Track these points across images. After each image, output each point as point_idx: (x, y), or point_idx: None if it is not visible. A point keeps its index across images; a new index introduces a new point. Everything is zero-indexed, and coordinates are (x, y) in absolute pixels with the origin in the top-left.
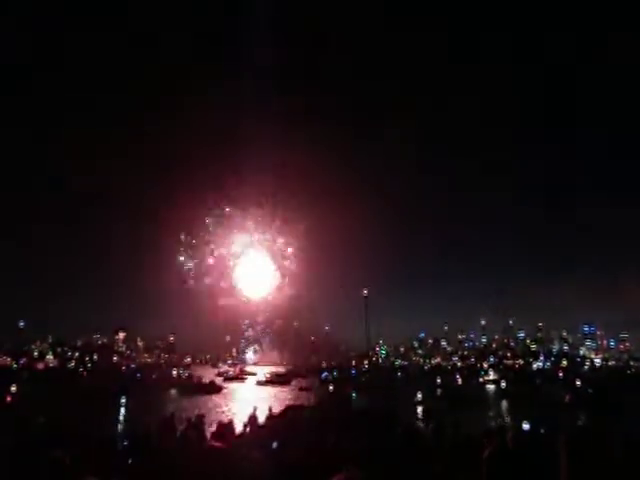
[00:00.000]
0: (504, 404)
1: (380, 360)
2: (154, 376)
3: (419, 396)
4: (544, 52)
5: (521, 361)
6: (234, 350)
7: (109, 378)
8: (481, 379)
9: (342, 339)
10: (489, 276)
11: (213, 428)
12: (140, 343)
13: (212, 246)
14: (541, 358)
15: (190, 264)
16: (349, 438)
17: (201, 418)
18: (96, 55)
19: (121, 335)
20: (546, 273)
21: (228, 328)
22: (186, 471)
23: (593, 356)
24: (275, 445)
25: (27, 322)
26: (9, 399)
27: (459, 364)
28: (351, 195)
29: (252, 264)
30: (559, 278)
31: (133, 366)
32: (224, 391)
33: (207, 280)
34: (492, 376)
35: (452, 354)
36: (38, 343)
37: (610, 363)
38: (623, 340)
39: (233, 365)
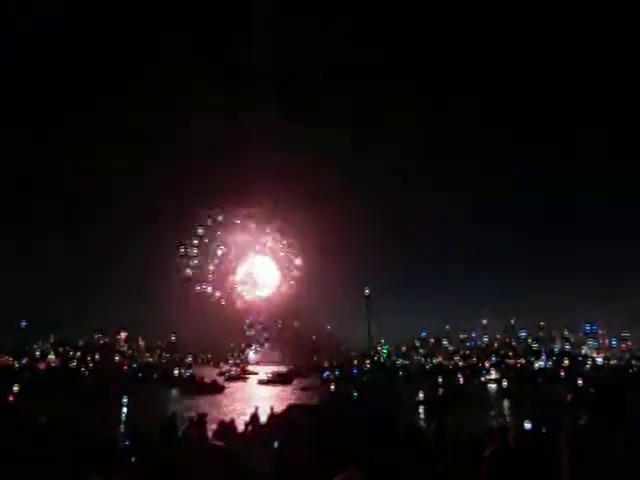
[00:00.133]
0: (506, 403)
1: (382, 359)
2: (155, 376)
3: (421, 395)
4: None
5: (523, 360)
6: (236, 350)
7: (111, 378)
8: (483, 378)
9: (343, 338)
10: (491, 275)
11: (215, 427)
12: (141, 343)
13: (214, 247)
14: (543, 357)
15: (192, 264)
16: (351, 437)
17: (203, 417)
18: (96, 54)
19: (123, 335)
20: (548, 272)
21: (230, 328)
22: (187, 470)
23: (595, 355)
24: (276, 444)
25: (29, 322)
26: (11, 399)
27: (461, 363)
28: (352, 195)
29: (254, 264)
30: (561, 277)
31: (135, 366)
32: (226, 390)
33: (209, 280)
34: (494, 375)
35: (454, 353)
36: (40, 343)
37: (612, 362)
38: (625, 339)
39: (235, 365)
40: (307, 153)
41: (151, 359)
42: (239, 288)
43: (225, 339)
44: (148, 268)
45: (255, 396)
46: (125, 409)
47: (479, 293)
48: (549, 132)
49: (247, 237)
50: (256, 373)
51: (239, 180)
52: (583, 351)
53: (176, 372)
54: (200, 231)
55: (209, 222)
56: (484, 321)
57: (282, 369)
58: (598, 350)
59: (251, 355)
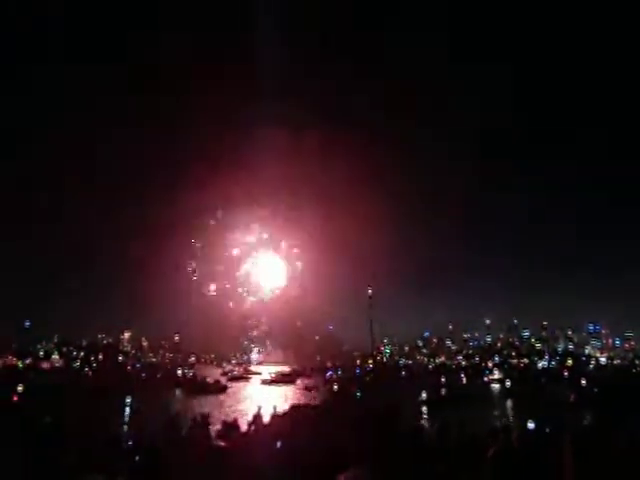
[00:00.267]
0: (509, 403)
1: (384, 359)
2: (159, 375)
3: (424, 395)
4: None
5: (526, 360)
6: (239, 350)
7: (114, 378)
8: (486, 378)
9: (346, 338)
10: (494, 275)
11: (218, 427)
12: (145, 343)
13: (217, 247)
14: (546, 357)
15: (195, 264)
16: (354, 437)
17: (206, 417)
18: (96, 54)
19: (126, 335)
20: (551, 272)
21: (233, 328)
22: (191, 470)
23: (598, 355)
24: (280, 444)
25: (33, 322)
26: (15, 399)
27: (464, 363)
28: (355, 195)
29: (257, 265)
30: (564, 277)
31: (138, 366)
32: (229, 391)
33: (212, 281)
34: (497, 375)
35: (457, 353)
36: (44, 343)
37: (615, 362)
38: (628, 339)
39: (238, 365)
40: (310, 153)
41: (154, 359)
42: (242, 289)
43: (228, 339)
44: (152, 268)
45: (258, 396)
46: (128, 409)
47: (482, 293)
48: (549, 132)
49: (250, 237)
50: (259, 373)
51: (242, 180)
52: (586, 351)
53: (179, 372)
54: (203, 232)
55: (212, 222)
56: (487, 321)
57: (285, 369)
58: (602, 350)
59: (254, 355)
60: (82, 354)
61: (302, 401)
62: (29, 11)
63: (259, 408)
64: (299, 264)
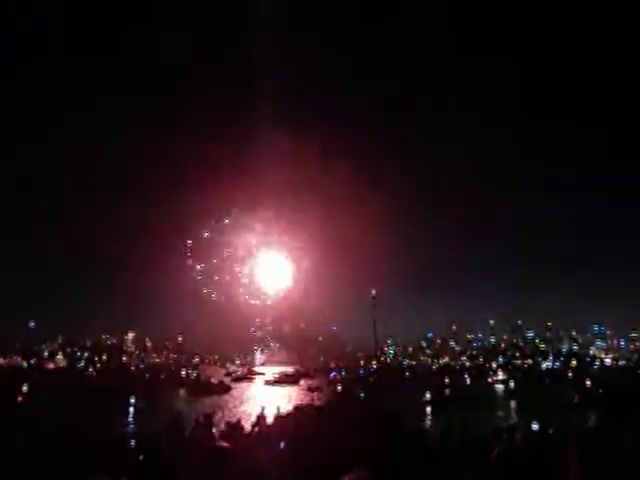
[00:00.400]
0: (513, 404)
1: (388, 360)
2: (163, 376)
3: (427, 396)
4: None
5: (530, 361)
6: (242, 351)
7: (118, 378)
8: (490, 379)
9: (350, 339)
10: (498, 276)
11: (222, 428)
12: (149, 343)
13: (220, 248)
14: (550, 358)
15: (199, 265)
16: (357, 438)
17: (209, 418)
18: (96, 54)
19: (130, 335)
20: (554, 272)
21: (236, 329)
22: (194, 471)
23: (603, 356)
24: (283, 445)
25: (37, 322)
26: (20, 399)
27: (467, 364)
28: (359, 196)
29: (260, 266)
30: (568, 277)
31: (142, 366)
32: (232, 391)
33: (215, 281)
34: (501, 376)
35: (460, 354)
36: (48, 343)
37: (620, 363)
38: (633, 340)
39: (241, 365)
40: (312, 154)
41: (158, 360)
42: (246, 290)
43: (232, 340)
44: (155, 269)
45: (262, 397)
46: (132, 409)
47: (486, 293)
48: (549, 132)
49: (254, 238)
50: (263, 374)
51: (246, 182)
52: (591, 352)
53: (183, 373)
54: (206, 233)
55: (215, 223)
56: (491, 321)
57: (289, 370)
58: (606, 351)
59: (257, 356)
60: (86, 354)
61: (306, 402)
62: (29, 11)
63: (262, 409)
64: (303, 265)
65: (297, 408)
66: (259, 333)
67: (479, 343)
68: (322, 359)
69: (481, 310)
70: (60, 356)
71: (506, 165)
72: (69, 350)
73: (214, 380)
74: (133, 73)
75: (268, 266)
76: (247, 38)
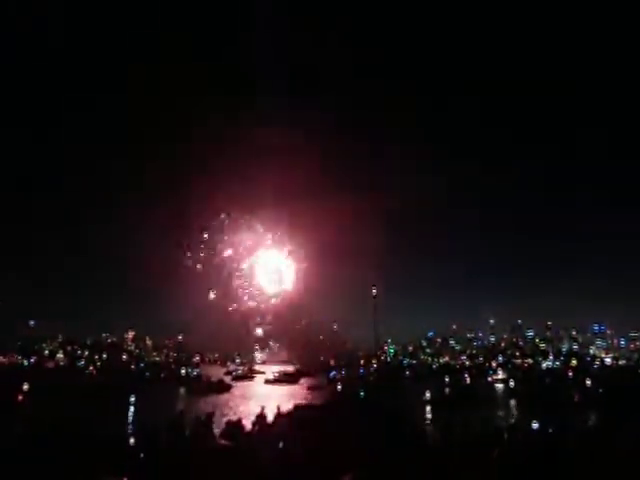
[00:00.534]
0: (513, 403)
1: (388, 359)
2: (163, 375)
3: (427, 395)
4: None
5: (530, 360)
6: (243, 349)
7: (118, 377)
8: (490, 378)
9: (350, 338)
10: (498, 275)
11: (222, 426)
12: (149, 342)
13: (222, 247)
14: (550, 357)
15: (199, 264)
16: (357, 438)
17: (210, 416)
18: (95, 54)
19: (130, 334)
20: (555, 272)
21: (236, 327)
22: (195, 469)
23: (603, 355)
24: (283, 444)
25: (37, 321)
26: (20, 398)
27: (467, 363)
28: (360, 196)
29: (260, 265)
30: (568, 277)
31: (142, 365)
32: (233, 390)
33: (216, 280)
34: (501, 375)
35: (461, 353)
36: (48, 342)
37: (620, 362)
38: (634, 339)
39: (241, 364)
40: (312, 154)
41: (158, 358)
42: (246, 289)
43: (232, 339)
44: (156, 268)
45: (262, 395)
46: (133, 408)
47: (486, 293)
48: (549, 132)
49: (253, 238)
50: (263, 372)
51: (244, 181)
52: (591, 351)
53: (183, 371)
54: (207, 232)
55: (215, 223)
56: (491, 321)
57: (289, 369)
58: (607, 350)
59: (258, 355)
60: (86, 353)
61: (306, 401)
62: (29, 11)
63: (262, 408)
64: (303, 265)
65: (297, 407)
66: (259, 332)
67: (479, 342)
68: (322, 358)
69: (481, 309)
70: (60, 355)
71: (506, 165)
72: (69, 349)
73: (214, 379)
74: (134, 73)
75: (268, 265)
76: (246, 38)
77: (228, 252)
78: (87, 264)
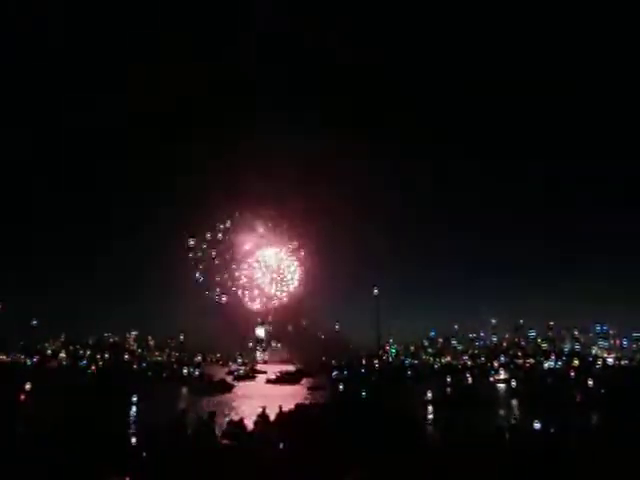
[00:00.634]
0: (515, 403)
1: (390, 359)
2: (165, 374)
3: (429, 395)
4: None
5: (532, 360)
6: (244, 349)
7: (120, 377)
8: (492, 378)
9: (352, 338)
10: (501, 274)
11: (224, 426)
12: (151, 342)
13: (223, 249)
14: (552, 357)
15: (201, 265)
16: (359, 437)
17: (212, 416)
18: (96, 54)
19: (132, 334)
20: (556, 272)
21: (239, 327)
22: (197, 468)
23: (605, 355)
24: (285, 443)
25: (40, 320)
26: (23, 397)
27: (469, 363)
28: (362, 198)
29: (262, 267)
30: (570, 277)
31: (144, 365)
32: (234, 389)
33: (218, 282)
34: (503, 375)
35: (462, 353)
36: (51, 341)
37: (623, 362)
38: (636, 340)
39: (243, 364)
40: (312, 155)
41: (160, 358)
42: (248, 289)
43: (234, 339)
44: (159, 269)
45: (264, 395)
46: (135, 408)
47: (486, 293)
48: (549, 132)
49: (256, 240)
50: (265, 372)
51: (246, 182)
52: (593, 351)
53: (185, 371)
54: (209, 233)
55: (218, 225)
56: (493, 320)
57: (291, 368)
58: (609, 350)
59: (259, 354)
60: (89, 353)
61: (307, 400)
62: (29, 11)
63: (264, 408)
64: (305, 265)
65: (299, 407)
66: (261, 331)
67: (481, 342)
68: (324, 358)
69: (482, 309)
70: (63, 354)
71: (507, 165)
72: (72, 348)
73: (216, 378)
74: (134, 72)
75: (270, 266)
76: (246, 38)
77: (230, 253)
78: (89, 264)
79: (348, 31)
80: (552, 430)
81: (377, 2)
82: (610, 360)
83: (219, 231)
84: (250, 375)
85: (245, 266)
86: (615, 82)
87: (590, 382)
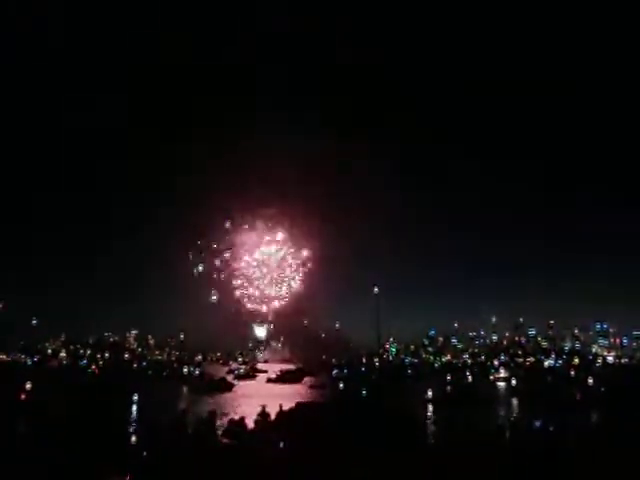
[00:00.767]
0: (515, 402)
1: (390, 357)
2: (165, 373)
3: (429, 394)
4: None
5: (532, 359)
6: (245, 348)
7: (121, 376)
8: (492, 377)
9: (352, 337)
10: (501, 273)
11: (224, 425)
12: (151, 341)
13: (223, 247)
14: (552, 356)
15: (202, 265)
16: (359, 435)
17: (212, 415)
18: (96, 54)
19: (132, 333)
20: (556, 272)
21: (239, 326)
22: (197, 467)
23: (605, 354)
24: (285, 442)
25: (40, 320)
26: (23, 397)
27: (469, 362)
28: (362, 198)
29: (263, 266)
30: (570, 276)
31: (144, 364)
32: (235, 389)
33: (218, 281)
34: (503, 374)
35: (463, 351)
36: (51, 341)
37: (623, 361)
38: (637, 338)
39: (244, 363)
40: (313, 155)
41: (160, 357)
42: (249, 289)
43: (234, 338)
44: (160, 268)
45: (264, 394)
46: (135, 407)
47: (488, 292)
48: (549, 132)
49: (256, 240)
50: (265, 371)
51: (247, 183)
52: (593, 350)
53: (185, 370)
54: (209, 233)
55: (218, 225)
56: (493, 319)
57: (291, 367)
58: (609, 349)
59: (260, 353)
60: (89, 352)
61: (308, 399)
62: (29, 11)
63: (264, 406)
64: (306, 264)
65: (299, 406)
66: (262, 330)
67: (481, 341)
68: (324, 356)
69: (481, 308)
70: (63, 354)
71: (507, 165)
72: (72, 348)
73: (217, 377)
74: (134, 72)
75: (271, 266)
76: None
77: (230, 252)
78: (89, 263)
79: (348, 31)
80: (552, 429)
81: (377, 2)
82: (610, 358)
83: (220, 231)
84: (250, 374)
85: (246, 267)
86: (615, 82)
87: (590, 380)
